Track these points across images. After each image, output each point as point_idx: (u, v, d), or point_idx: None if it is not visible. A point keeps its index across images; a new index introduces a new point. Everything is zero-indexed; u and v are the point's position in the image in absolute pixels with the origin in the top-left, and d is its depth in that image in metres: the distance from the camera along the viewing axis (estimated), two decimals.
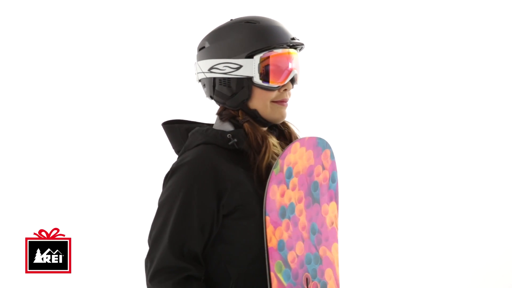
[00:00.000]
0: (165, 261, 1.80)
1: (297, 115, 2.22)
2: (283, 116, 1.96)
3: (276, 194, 1.85)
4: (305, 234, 1.92)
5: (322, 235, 1.97)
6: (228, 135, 1.89)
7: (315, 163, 1.96)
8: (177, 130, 2.00)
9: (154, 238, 1.84)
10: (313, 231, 1.95)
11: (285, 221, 1.87)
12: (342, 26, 4.12)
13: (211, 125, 2.02)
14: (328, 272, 1.98)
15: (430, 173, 4.21)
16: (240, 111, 1.94)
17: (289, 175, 1.88)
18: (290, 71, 1.92)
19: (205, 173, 1.83)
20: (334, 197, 2.02)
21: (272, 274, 1.83)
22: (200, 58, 1.97)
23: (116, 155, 3.83)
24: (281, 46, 1.91)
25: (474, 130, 4.25)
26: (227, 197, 1.83)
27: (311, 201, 1.94)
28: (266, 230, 1.82)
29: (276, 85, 1.91)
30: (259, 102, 1.92)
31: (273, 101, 1.93)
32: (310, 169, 1.94)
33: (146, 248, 1.87)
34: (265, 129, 1.99)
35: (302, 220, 1.92)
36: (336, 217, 2.03)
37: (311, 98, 3.90)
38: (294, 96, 2.04)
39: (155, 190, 3.59)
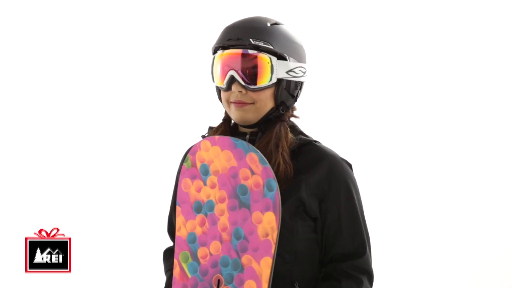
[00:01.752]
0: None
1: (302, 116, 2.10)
2: (237, 118, 1.95)
3: (191, 188, 1.96)
4: (225, 236, 1.91)
5: (249, 243, 1.87)
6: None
7: (239, 166, 1.87)
8: None
9: None
10: (237, 236, 1.89)
11: (200, 216, 1.94)
12: (351, 28, 4.05)
13: None
14: (249, 284, 1.87)
15: (431, 174, 4.11)
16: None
17: (205, 172, 1.93)
18: (226, 72, 1.93)
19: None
20: (272, 207, 1.84)
21: (175, 261, 1.98)
22: None
23: (116, 155, 3.82)
24: (221, 47, 1.95)
25: (476, 134, 4.14)
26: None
27: (238, 204, 1.89)
28: (177, 219, 1.99)
29: (220, 86, 1.96)
30: (222, 101, 2.01)
31: (231, 102, 1.97)
32: (232, 171, 1.89)
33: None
34: (250, 130, 2.00)
35: (223, 221, 1.91)
36: (274, 229, 1.84)
37: (316, 101, 3.86)
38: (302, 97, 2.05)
39: (155, 190, 3.64)
